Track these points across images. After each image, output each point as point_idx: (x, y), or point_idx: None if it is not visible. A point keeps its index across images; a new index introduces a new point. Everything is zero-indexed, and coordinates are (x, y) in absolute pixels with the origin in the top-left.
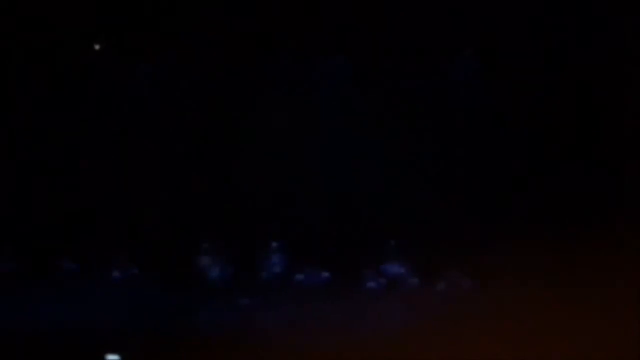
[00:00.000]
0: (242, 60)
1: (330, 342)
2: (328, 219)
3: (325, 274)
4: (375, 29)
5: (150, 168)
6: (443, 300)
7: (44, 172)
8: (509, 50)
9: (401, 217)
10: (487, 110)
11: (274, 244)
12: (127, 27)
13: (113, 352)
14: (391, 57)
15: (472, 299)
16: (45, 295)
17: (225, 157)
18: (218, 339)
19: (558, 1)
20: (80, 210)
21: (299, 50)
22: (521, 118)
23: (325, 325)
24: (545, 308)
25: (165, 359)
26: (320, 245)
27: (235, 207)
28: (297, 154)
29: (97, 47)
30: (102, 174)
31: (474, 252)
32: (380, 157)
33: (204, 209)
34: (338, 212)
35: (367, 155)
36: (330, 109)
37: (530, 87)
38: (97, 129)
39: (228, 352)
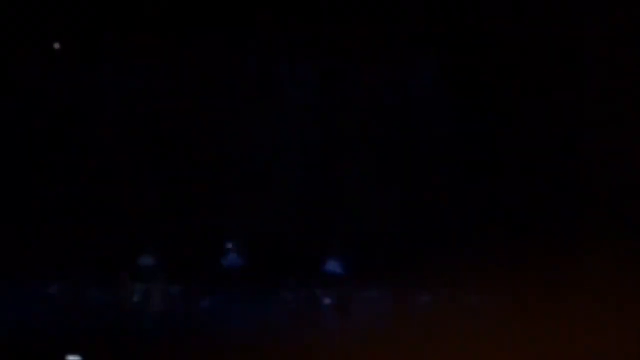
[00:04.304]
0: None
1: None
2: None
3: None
4: (342, 36)
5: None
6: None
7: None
8: (469, 56)
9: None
10: (452, 110)
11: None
12: (89, 28)
13: (74, 353)
14: (354, 64)
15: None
16: (3, 299)
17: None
18: (172, 338)
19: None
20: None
21: (263, 56)
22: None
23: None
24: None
25: (124, 359)
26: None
27: (184, 207)
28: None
29: (56, 46)
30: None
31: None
32: (336, 160)
33: (148, 209)
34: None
35: (322, 159)
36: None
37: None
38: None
39: (183, 350)
